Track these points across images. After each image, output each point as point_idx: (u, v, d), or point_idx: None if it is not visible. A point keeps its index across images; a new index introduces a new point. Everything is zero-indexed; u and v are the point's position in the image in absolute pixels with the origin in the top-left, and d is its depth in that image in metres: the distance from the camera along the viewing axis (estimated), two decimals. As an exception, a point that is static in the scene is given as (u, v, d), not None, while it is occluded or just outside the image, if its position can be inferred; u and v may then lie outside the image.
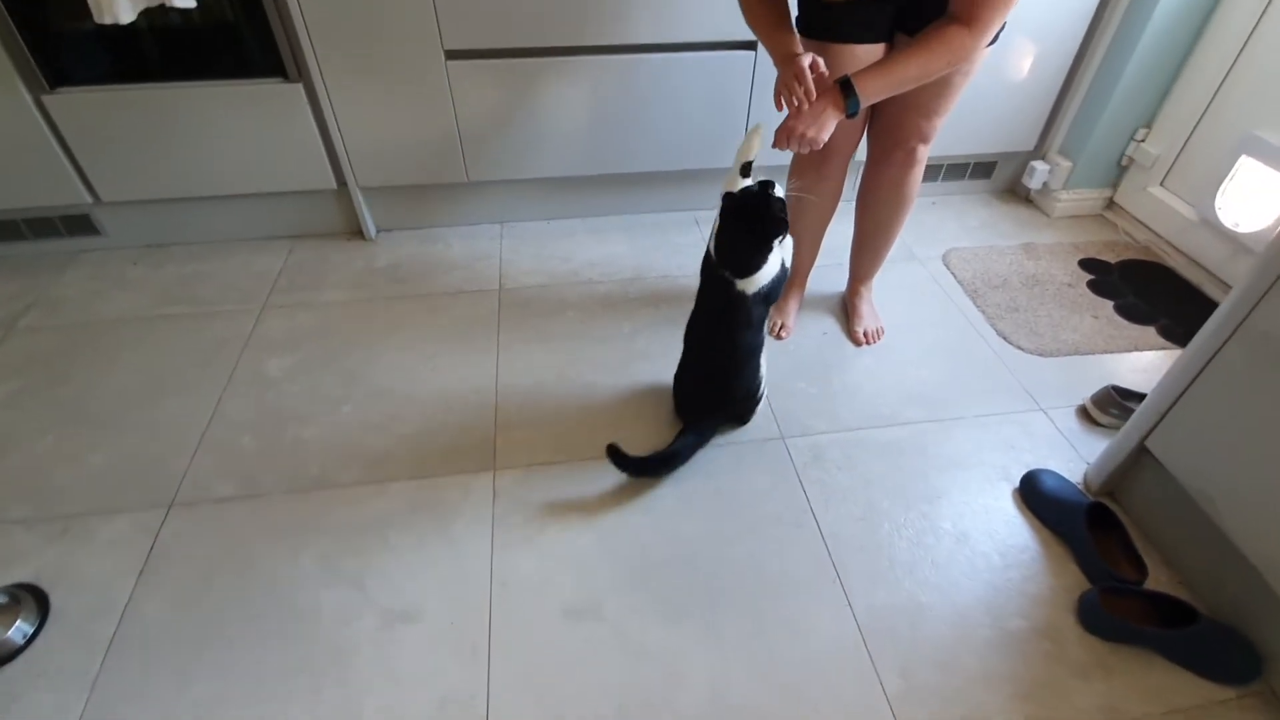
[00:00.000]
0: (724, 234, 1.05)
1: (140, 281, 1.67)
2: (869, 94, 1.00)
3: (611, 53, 1.57)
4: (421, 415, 1.34)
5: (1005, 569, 1.11)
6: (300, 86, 1.53)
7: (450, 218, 1.86)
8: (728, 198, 1.04)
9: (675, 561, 1.10)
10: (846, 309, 1.58)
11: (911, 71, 0.99)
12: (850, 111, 1.00)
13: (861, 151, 1.35)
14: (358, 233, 1.82)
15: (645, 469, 1.21)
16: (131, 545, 1.11)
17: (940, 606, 1.06)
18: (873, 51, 1.12)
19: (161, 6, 1.29)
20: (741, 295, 1.09)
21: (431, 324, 1.56)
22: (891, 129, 1.25)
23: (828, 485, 1.22)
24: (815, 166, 1.30)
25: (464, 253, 1.78)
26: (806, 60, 1.00)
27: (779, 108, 1.05)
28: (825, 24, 1.05)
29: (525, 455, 1.27)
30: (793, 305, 1.56)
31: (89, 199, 1.62)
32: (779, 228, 1.02)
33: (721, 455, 1.27)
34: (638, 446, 1.24)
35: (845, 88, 1.00)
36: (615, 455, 1.17)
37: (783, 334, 1.52)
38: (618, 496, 1.20)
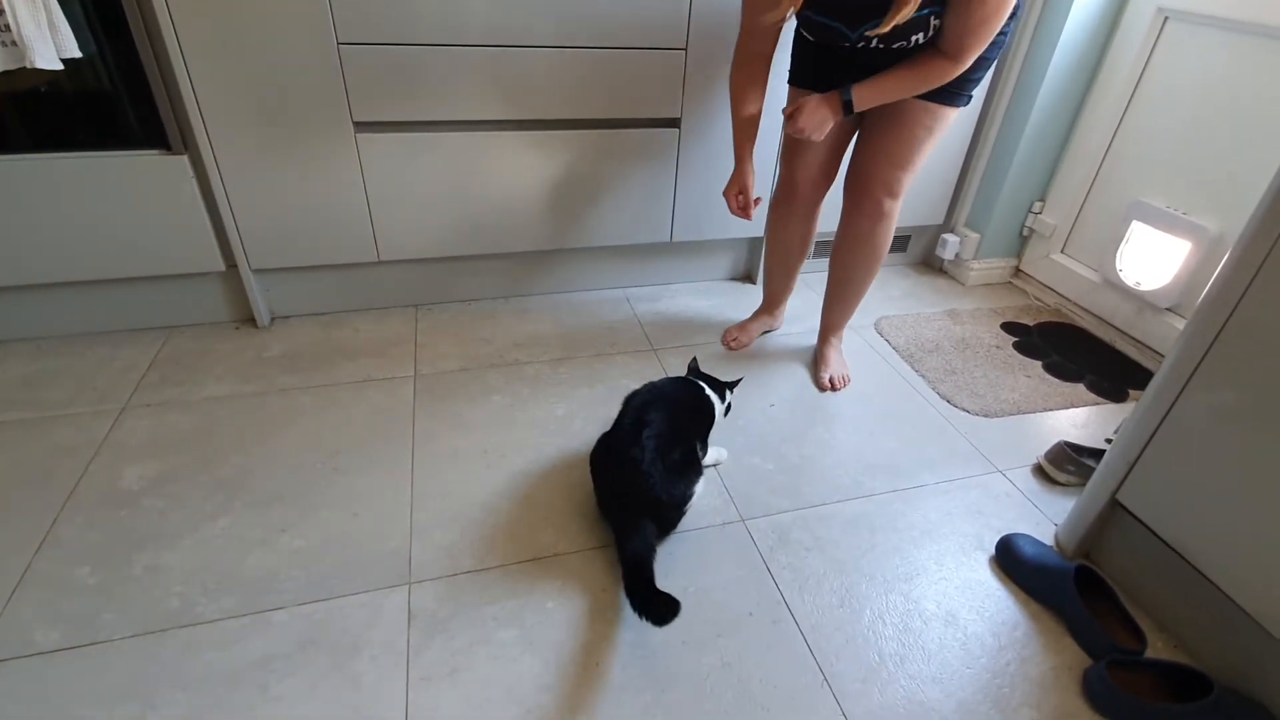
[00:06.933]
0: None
1: (-36, 384, 1.38)
2: (861, 102, 1.17)
3: (535, 128, 1.53)
4: (319, 525, 1.12)
5: (1000, 650, 1.00)
6: (185, 159, 1.37)
7: (358, 301, 1.70)
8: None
9: (638, 684, 0.92)
10: (816, 358, 1.61)
11: (898, 89, 1.16)
12: (847, 114, 1.19)
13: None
14: (249, 320, 1.62)
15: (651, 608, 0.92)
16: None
17: (943, 704, 0.92)
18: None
19: (21, 70, 1.14)
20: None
21: (334, 417, 1.35)
22: (862, 177, 1.35)
23: (799, 571, 1.09)
24: (784, 204, 1.48)
25: (374, 338, 1.61)
26: (752, 184, 1.34)
27: (731, 207, 1.37)
28: (808, 80, 1.29)
29: (448, 562, 1.06)
30: (755, 326, 1.68)
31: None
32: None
33: (678, 546, 1.12)
34: (581, 543, 1.08)
35: (843, 94, 1.17)
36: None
37: (733, 345, 1.65)
38: (563, 606, 1.01)
